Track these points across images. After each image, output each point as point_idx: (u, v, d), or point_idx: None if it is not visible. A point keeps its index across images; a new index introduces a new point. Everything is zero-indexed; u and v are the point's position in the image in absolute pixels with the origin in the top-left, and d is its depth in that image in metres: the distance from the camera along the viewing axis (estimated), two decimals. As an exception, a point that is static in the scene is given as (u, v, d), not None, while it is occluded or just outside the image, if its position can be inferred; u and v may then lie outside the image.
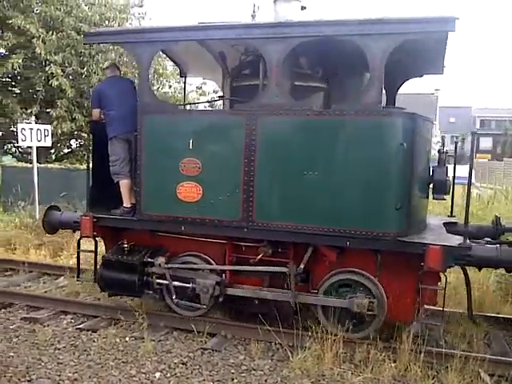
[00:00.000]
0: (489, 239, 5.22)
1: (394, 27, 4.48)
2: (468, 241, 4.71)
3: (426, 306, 4.92)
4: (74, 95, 14.06)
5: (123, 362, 4.67)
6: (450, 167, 5.54)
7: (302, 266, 5.13)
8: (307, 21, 4.77)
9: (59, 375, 4.38)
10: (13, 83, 15.82)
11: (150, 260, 5.54)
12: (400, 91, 6.59)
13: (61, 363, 4.62)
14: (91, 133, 5.83)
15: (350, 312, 5.00)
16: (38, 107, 14.16)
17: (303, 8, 6.11)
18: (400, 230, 4.67)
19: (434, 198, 5.37)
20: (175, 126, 5.23)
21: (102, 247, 6.00)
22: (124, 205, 5.66)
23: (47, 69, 13.45)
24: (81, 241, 5.89)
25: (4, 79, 15.39)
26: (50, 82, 13.54)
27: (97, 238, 5.79)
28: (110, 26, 14.43)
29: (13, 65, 13.21)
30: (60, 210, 6.27)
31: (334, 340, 4.66)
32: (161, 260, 5.51)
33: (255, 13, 6.46)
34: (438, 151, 5.37)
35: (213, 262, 5.55)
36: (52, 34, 13.46)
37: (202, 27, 4.97)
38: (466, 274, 5.45)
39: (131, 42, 5.29)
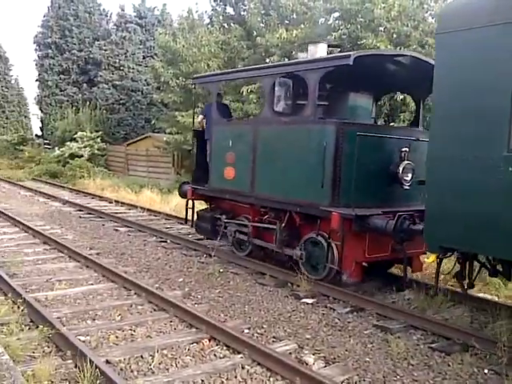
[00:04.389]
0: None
1: (319, 64, 6.67)
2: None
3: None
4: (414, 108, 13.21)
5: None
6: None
7: (283, 225, 7.60)
8: (282, 63, 7.33)
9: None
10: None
11: (219, 216, 8.90)
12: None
13: (416, 380, 4.45)
14: (195, 137, 9.55)
15: (315, 262, 7.18)
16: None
17: (331, 46, 8.44)
18: (323, 202, 6.72)
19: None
20: (224, 132, 8.48)
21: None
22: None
23: None
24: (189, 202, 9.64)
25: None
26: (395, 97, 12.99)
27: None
28: None
29: None
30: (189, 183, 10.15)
31: None
32: (223, 217, 8.81)
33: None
34: (400, 151, 6.99)
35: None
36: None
37: (235, 71, 8.07)
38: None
39: (203, 82, 8.85)
